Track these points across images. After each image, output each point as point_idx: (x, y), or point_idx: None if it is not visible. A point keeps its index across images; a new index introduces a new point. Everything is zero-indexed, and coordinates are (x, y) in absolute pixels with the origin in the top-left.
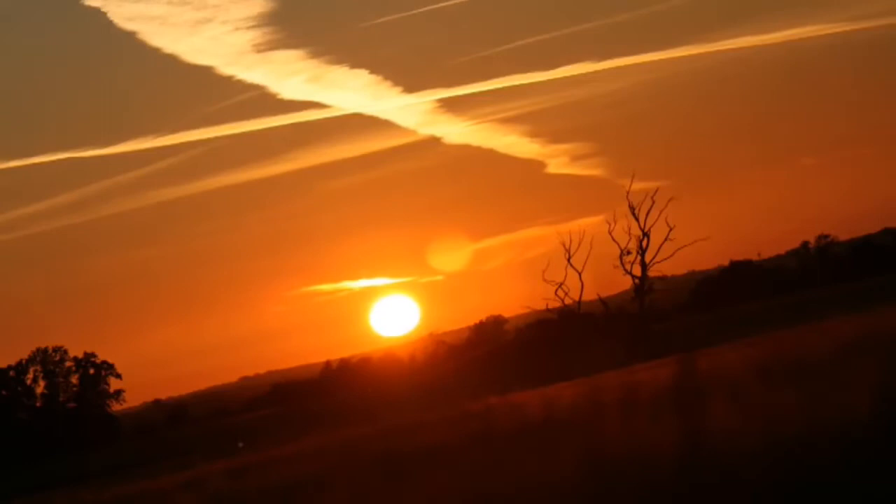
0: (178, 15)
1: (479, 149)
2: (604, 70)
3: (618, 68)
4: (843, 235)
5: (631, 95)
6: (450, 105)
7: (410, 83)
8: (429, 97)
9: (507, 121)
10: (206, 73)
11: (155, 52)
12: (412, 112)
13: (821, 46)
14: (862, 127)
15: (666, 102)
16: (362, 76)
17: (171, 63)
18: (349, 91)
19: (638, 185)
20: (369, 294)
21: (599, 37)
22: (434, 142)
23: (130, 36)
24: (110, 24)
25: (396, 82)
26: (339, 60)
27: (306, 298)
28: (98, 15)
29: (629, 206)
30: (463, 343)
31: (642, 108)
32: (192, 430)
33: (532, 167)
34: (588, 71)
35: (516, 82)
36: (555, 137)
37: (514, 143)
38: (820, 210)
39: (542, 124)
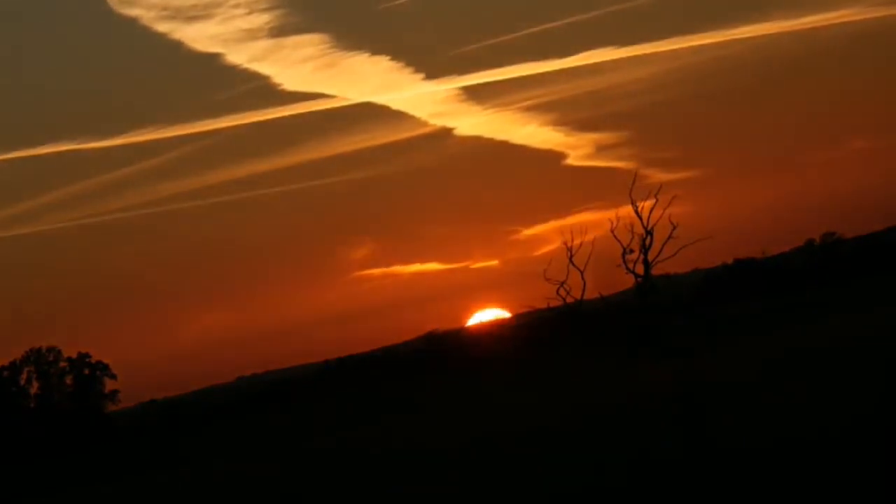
0: None
1: (493, 140)
2: (629, 57)
3: (644, 56)
4: (850, 233)
5: (657, 84)
6: (471, 92)
7: (432, 69)
8: (450, 84)
9: (529, 109)
10: (214, 60)
11: (159, 39)
12: (430, 101)
13: (835, 37)
14: (865, 124)
15: (687, 92)
16: (383, 62)
17: (176, 50)
18: (368, 78)
19: (661, 177)
20: (421, 279)
21: (625, 22)
22: (446, 133)
23: (132, 22)
24: (110, 10)
25: (418, 69)
26: (358, 45)
27: (357, 283)
28: (99, 2)
29: (632, 203)
30: (465, 341)
31: (664, 97)
32: (189, 430)
33: (550, 158)
34: (613, 58)
35: (538, 70)
36: (579, 126)
37: (533, 132)
38: (826, 207)
39: (565, 113)
